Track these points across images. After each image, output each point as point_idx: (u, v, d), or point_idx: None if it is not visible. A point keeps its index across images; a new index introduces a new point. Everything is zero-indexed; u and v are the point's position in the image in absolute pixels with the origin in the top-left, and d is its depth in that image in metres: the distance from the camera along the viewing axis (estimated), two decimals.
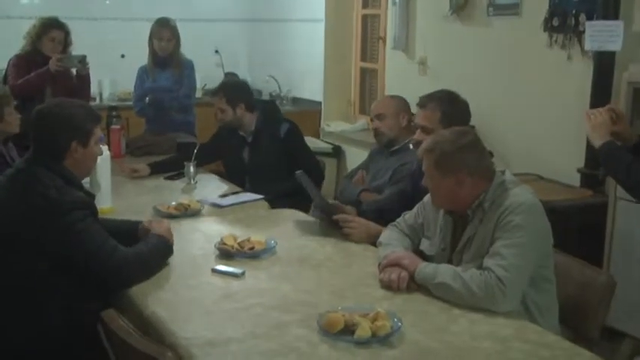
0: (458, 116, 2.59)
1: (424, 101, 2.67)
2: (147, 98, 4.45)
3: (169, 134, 4.37)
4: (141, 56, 4.51)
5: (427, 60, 4.73)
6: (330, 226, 2.69)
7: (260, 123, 3.70)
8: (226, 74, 6.20)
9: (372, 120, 3.41)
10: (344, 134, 5.63)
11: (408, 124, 3.27)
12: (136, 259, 2.17)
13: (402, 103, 3.37)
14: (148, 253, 2.23)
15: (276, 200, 3.24)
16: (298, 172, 2.72)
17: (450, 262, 2.17)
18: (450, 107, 2.63)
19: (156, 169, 3.71)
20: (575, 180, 3.60)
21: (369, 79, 5.78)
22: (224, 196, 3.26)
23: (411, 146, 3.05)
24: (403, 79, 4.92)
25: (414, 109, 2.99)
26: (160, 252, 2.30)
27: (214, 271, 2.25)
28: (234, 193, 3.32)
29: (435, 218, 2.29)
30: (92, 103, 5.14)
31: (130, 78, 4.66)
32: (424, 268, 2.07)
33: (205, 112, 4.61)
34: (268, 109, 3.81)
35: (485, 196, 2.10)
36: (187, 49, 4.53)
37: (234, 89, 3.75)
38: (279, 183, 3.46)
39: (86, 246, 2.09)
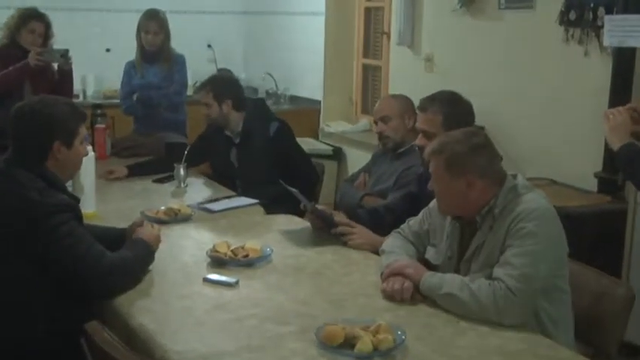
0: (461, 118, 2.61)
1: (425, 104, 2.69)
2: (134, 96, 4.47)
3: (158, 134, 4.38)
4: (128, 50, 4.52)
5: (434, 56, 4.74)
6: (327, 233, 2.70)
7: (248, 123, 3.70)
8: (219, 70, 6.20)
9: (375, 122, 3.42)
10: (345, 135, 5.64)
11: (413, 126, 3.28)
12: (122, 265, 2.18)
13: (406, 103, 3.38)
14: (133, 259, 2.24)
15: (272, 205, 3.25)
16: (294, 190, 2.73)
17: (457, 271, 2.17)
18: (452, 109, 2.65)
19: (135, 171, 3.71)
20: (592, 185, 3.61)
21: (371, 76, 5.80)
22: (216, 200, 3.27)
23: (416, 148, 3.06)
24: (408, 76, 4.94)
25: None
26: (145, 259, 2.31)
27: (206, 280, 2.26)
28: (226, 198, 3.33)
29: (441, 225, 2.30)
30: (75, 101, 5.14)
31: (116, 74, 4.68)
32: (429, 278, 2.08)
33: (197, 110, 4.59)
34: (256, 107, 3.80)
35: (496, 201, 2.11)
36: (178, 43, 4.54)
37: (222, 84, 3.75)
38: (273, 186, 3.46)
39: (72, 251, 2.09)
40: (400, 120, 3.31)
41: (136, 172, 3.71)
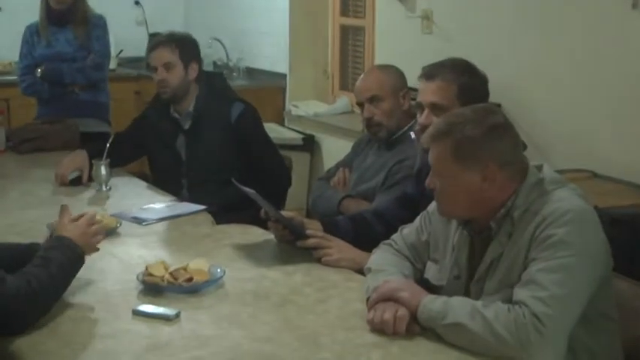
0: (477, 94, 2.62)
1: (432, 71, 2.69)
2: (38, 70, 4.44)
3: (71, 120, 4.35)
4: (28, 11, 4.49)
5: (432, 14, 4.76)
6: (296, 247, 2.71)
7: (202, 102, 3.71)
8: (152, 36, 6.16)
9: (359, 105, 3.42)
10: (318, 119, 5.64)
11: (410, 106, 3.30)
12: (28, 292, 2.14)
13: (399, 76, 3.39)
14: (47, 278, 2.19)
15: (225, 213, 3.26)
16: (251, 191, 2.73)
17: (466, 293, 2.18)
18: (469, 79, 2.66)
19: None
20: None
21: (352, 41, 5.80)
22: (150, 207, 3.27)
23: (412, 135, 3.07)
24: (400, 39, 4.95)
25: (412, 81, 3.00)
26: (67, 270, 2.28)
27: (137, 312, 2.25)
28: (164, 203, 3.34)
29: (445, 234, 2.31)
30: None
31: (11, 41, 4.64)
32: (430, 304, 2.07)
33: (123, 89, 4.62)
34: (213, 84, 3.81)
35: (516, 200, 2.12)
36: (96, 1, 4.51)
37: (189, 40, 3.79)
38: (229, 189, 3.46)
39: None
40: (394, 99, 3.31)
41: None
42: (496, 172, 2.10)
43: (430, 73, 2.69)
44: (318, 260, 2.62)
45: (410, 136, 3.17)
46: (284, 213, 2.80)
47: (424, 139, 2.24)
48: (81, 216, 2.44)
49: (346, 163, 3.60)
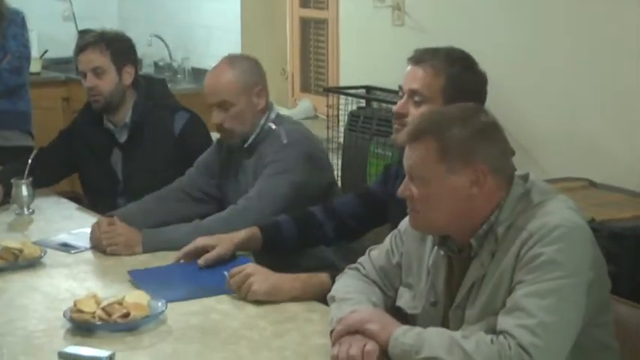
0: (469, 91, 2.60)
1: (422, 55, 2.68)
2: None
3: None
4: None
5: (404, 3, 4.78)
6: None
7: (140, 111, 3.71)
8: (82, 33, 6.12)
9: (213, 107, 3.30)
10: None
11: (267, 100, 3.30)
12: None
13: (252, 72, 3.33)
14: None
15: None
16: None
17: (445, 322, 2.19)
18: (463, 73, 2.66)
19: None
20: None
21: (314, 35, 5.83)
22: (80, 232, 3.26)
23: (272, 126, 3.18)
24: (368, 33, 4.98)
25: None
26: None
27: (63, 356, 2.22)
28: None
29: (419, 255, 2.32)
30: None
31: None
32: (402, 336, 2.07)
33: (49, 96, 4.59)
34: (153, 90, 3.81)
35: (500, 215, 2.13)
36: None
37: (122, 41, 3.78)
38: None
39: None
40: (246, 101, 3.25)
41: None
42: (486, 177, 2.12)
43: (419, 57, 2.68)
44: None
45: (270, 127, 3.23)
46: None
47: (400, 138, 2.24)
48: None
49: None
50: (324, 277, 2.60)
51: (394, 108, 2.72)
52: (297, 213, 3.02)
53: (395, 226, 2.46)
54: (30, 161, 3.53)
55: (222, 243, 2.88)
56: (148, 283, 2.67)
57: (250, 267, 2.65)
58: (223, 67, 3.33)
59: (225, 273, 2.65)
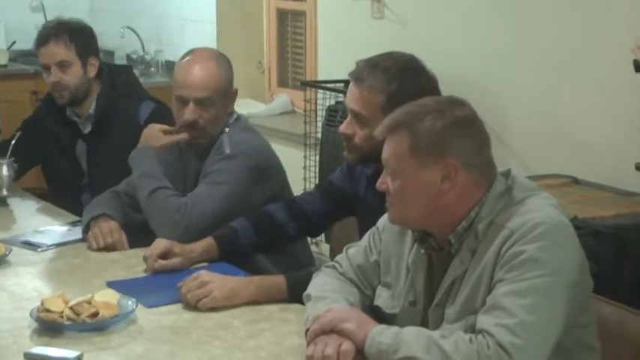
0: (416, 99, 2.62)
1: (361, 74, 2.69)
2: None
3: None
4: None
5: None
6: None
7: (105, 102, 3.70)
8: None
9: (180, 99, 3.22)
10: (253, 121, 5.54)
11: (233, 108, 3.30)
12: None
13: (230, 69, 3.31)
14: None
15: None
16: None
17: (423, 322, 2.19)
18: (401, 87, 2.65)
19: None
20: (634, 184, 3.67)
21: (291, 28, 5.83)
22: (48, 230, 3.28)
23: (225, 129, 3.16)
24: (347, 25, 4.98)
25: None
26: None
27: (30, 356, 2.23)
28: (63, 225, 3.34)
29: (398, 253, 2.32)
30: None
31: None
32: (379, 336, 2.07)
33: (16, 89, 4.56)
34: (117, 79, 3.80)
35: (480, 211, 2.13)
36: None
37: (85, 33, 3.76)
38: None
39: None
40: (223, 102, 3.25)
41: None
42: (458, 172, 2.12)
43: (358, 75, 2.70)
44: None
45: (225, 132, 3.22)
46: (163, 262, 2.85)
47: (379, 131, 2.24)
48: None
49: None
50: (278, 278, 2.63)
51: (340, 128, 2.74)
52: (256, 215, 3.01)
53: (362, 224, 2.46)
54: (13, 143, 3.55)
55: (182, 256, 2.87)
56: (129, 292, 2.62)
57: (204, 274, 2.62)
58: (210, 62, 3.24)
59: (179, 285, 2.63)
